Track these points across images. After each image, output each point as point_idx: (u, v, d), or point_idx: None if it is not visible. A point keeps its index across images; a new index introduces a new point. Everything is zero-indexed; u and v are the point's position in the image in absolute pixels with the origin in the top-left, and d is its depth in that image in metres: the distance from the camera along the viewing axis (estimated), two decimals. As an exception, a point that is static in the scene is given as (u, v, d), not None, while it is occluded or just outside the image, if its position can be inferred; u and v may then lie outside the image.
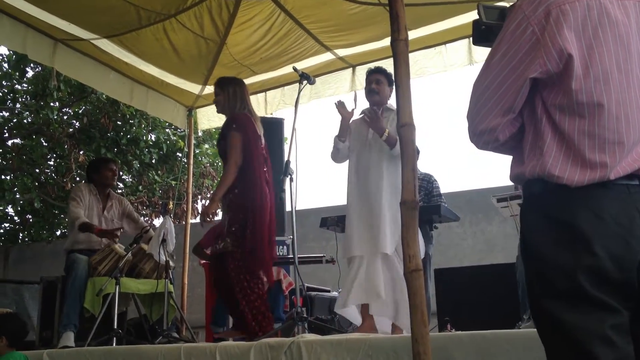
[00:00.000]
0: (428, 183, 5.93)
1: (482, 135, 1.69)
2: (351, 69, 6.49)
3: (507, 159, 1.75)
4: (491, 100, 1.63)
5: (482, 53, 5.72)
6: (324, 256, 5.31)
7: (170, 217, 5.01)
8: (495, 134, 1.66)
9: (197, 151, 11.66)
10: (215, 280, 4.46)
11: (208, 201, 4.27)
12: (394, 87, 4.48)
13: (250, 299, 4.17)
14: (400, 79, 2.35)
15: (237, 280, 4.15)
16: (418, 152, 5.80)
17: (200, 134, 11.47)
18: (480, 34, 1.81)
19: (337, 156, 4.63)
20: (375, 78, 4.58)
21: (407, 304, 4.01)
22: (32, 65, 11.04)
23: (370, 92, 4.57)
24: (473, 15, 5.33)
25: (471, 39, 5.70)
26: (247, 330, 4.20)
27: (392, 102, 4.60)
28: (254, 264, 4.25)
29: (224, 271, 4.19)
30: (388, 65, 5.91)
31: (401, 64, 2.36)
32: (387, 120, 4.48)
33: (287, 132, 6.86)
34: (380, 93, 4.55)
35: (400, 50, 2.38)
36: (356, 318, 4.44)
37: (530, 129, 1.65)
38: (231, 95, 4.52)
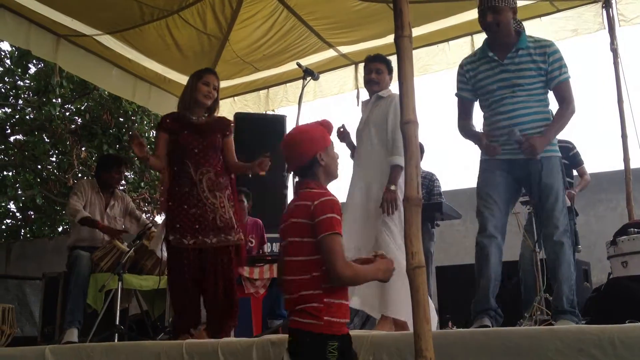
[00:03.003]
0: (429, 182, 5.95)
1: None
2: (354, 66, 6.50)
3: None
4: None
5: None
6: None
7: (172, 213, 5.02)
8: None
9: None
10: (214, 273, 4.08)
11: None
12: (393, 74, 4.34)
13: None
14: (404, 76, 2.34)
15: (234, 273, 4.15)
16: (423, 150, 5.80)
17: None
18: None
19: None
20: (376, 67, 4.35)
21: (395, 293, 3.96)
22: (34, 61, 11.05)
23: (369, 82, 4.38)
24: (477, 12, 5.36)
25: (474, 36, 5.73)
26: (227, 325, 4.09)
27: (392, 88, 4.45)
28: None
29: (228, 262, 4.09)
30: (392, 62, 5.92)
31: (405, 61, 2.34)
32: (379, 108, 4.31)
33: (288, 129, 6.85)
34: (381, 83, 4.35)
35: (404, 47, 2.36)
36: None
37: None
38: (218, 95, 4.42)
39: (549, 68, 3.57)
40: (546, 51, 3.57)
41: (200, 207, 4.07)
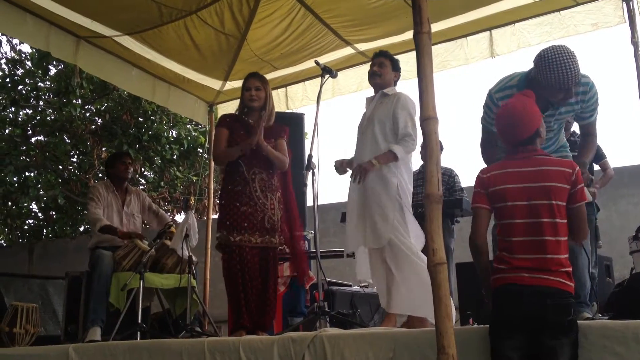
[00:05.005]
0: (449, 177, 5.93)
1: None
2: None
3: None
4: None
5: (504, 45, 5.67)
6: (344, 250, 5.30)
7: (192, 212, 5.05)
8: None
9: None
10: (270, 272, 4.29)
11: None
12: (399, 72, 4.41)
13: None
14: (424, 72, 2.34)
15: (275, 275, 4.34)
16: (442, 148, 5.78)
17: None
18: None
19: None
20: (379, 61, 4.40)
21: (403, 290, 3.97)
22: (54, 62, 11.16)
23: (372, 75, 4.40)
24: (495, 7, 5.32)
25: (492, 31, 5.68)
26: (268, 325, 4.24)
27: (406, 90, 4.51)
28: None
29: (273, 263, 4.28)
30: (410, 58, 5.89)
31: (424, 57, 2.34)
32: (384, 106, 4.30)
33: (307, 127, 6.85)
34: (383, 76, 4.36)
35: (423, 43, 2.36)
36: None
37: None
38: (269, 96, 4.45)
39: (582, 108, 3.40)
40: (585, 95, 3.35)
41: (251, 205, 4.20)
